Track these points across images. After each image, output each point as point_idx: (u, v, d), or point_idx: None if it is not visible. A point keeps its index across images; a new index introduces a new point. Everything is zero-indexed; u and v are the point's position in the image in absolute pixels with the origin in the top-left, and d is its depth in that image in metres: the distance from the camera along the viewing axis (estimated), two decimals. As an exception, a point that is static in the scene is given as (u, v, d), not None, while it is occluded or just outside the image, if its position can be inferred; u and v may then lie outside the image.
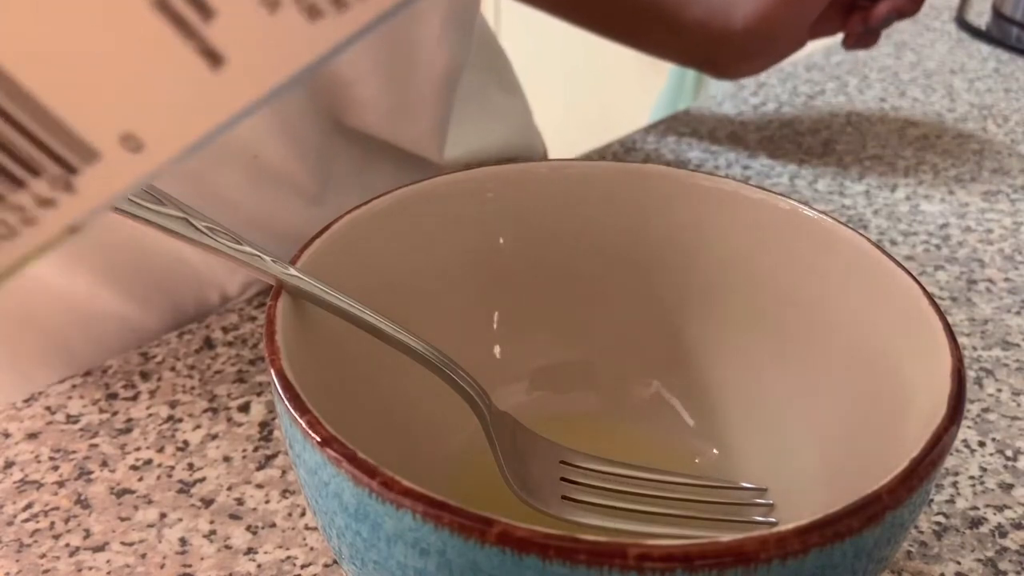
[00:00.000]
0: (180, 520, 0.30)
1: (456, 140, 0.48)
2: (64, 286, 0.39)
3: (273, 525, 0.30)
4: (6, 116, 0.11)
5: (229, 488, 0.31)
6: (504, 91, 0.56)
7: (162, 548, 0.29)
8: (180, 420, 0.34)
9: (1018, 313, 0.41)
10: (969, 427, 0.35)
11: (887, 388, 0.25)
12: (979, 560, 0.29)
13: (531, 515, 0.25)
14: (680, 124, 0.59)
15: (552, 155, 0.59)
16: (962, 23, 0.77)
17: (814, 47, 0.64)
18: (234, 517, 0.30)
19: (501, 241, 0.31)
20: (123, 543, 0.29)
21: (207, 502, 0.30)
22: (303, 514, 0.30)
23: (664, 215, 0.30)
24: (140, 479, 0.31)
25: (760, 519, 0.27)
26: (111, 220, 0.20)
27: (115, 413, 0.34)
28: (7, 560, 0.28)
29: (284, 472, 0.32)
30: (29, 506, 0.30)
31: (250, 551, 0.29)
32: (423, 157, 0.46)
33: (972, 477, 0.32)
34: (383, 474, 0.18)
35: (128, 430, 0.33)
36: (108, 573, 0.28)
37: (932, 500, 0.31)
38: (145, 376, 0.36)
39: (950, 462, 0.33)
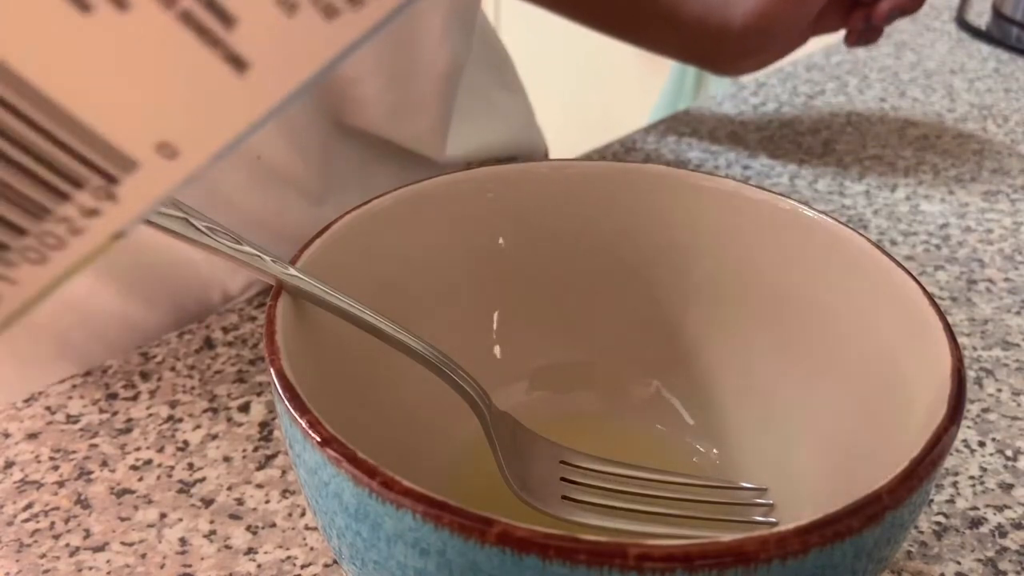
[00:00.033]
0: (180, 520, 0.30)
1: (458, 138, 0.48)
2: (65, 285, 0.39)
3: (273, 525, 0.30)
4: (47, 134, 0.11)
5: (229, 488, 0.31)
6: (506, 89, 0.56)
7: (162, 548, 0.29)
8: (180, 420, 0.34)
9: (1018, 313, 0.41)
10: (969, 427, 0.35)
11: (887, 388, 0.25)
12: (979, 560, 0.29)
13: (531, 515, 0.25)
14: (680, 124, 0.59)
15: (552, 155, 0.59)
16: (962, 23, 0.77)
17: (814, 47, 0.64)
18: (234, 517, 0.30)
19: (501, 241, 0.31)
20: (123, 543, 0.29)
21: (207, 502, 0.30)
22: (303, 514, 0.30)
23: (664, 215, 0.30)
24: (140, 479, 0.31)
25: (760, 519, 0.27)
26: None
27: (115, 413, 0.34)
28: (7, 560, 0.28)
29: (284, 472, 0.32)
30: (29, 506, 0.30)
31: (250, 551, 0.29)
32: (425, 156, 0.46)
33: (972, 477, 0.32)
34: (383, 474, 0.18)
35: (128, 430, 0.33)
36: (108, 573, 0.28)
37: (932, 500, 0.31)
38: (145, 376, 0.36)
39: (950, 462, 0.33)
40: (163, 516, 0.30)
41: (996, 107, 0.62)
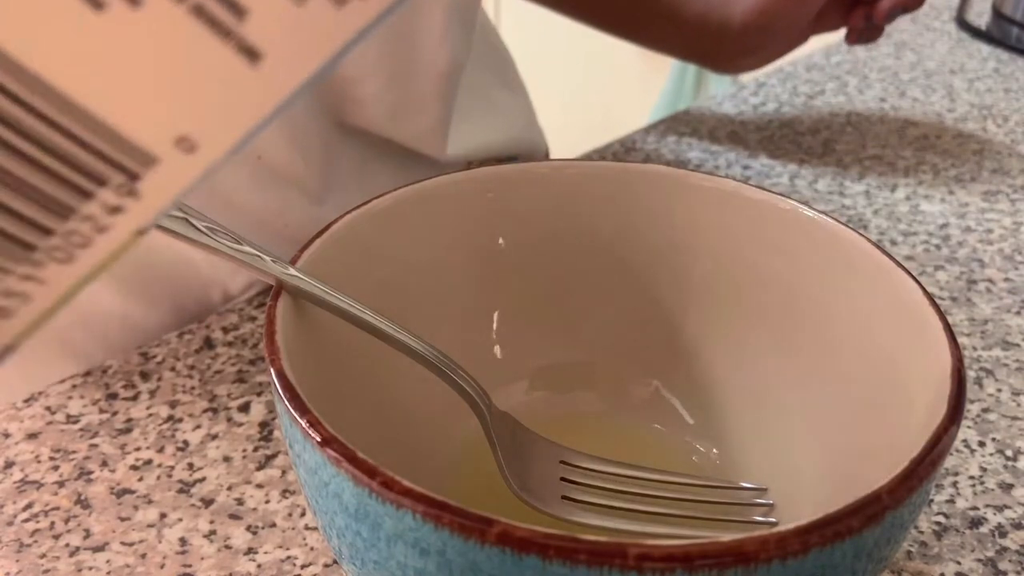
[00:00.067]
0: (180, 520, 0.30)
1: (459, 137, 0.48)
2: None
3: (273, 525, 0.30)
4: (68, 133, 0.11)
5: (229, 488, 0.31)
6: (507, 88, 0.56)
7: (162, 548, 0.29)
8: (180, 420, 0.34)
9: (1018, 313, 0.41)
10: (969, 427, 0.35)
11: (887, 388, 0.25)
12: (979, 560, 0.29)
13: (531, 515, 0.25)
14: (680, 124, 0.59)
15: (553, 155, 0.59)
16: (962, 23, 0.77)
17: (814, 47, 0.64)
18: (234, 517, 0.30)
19: (501, 241, 0.31)
20: (123, 543, 0.29)
21: (207, 502, 0.30)
22: (303, 514, 0.30)
23: (664, 215, 0.30)
24: (140, 479, 0.31)
25: (760, 519, 0.27)
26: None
27: (115, 413, 0.34)
28: (7, 560, 0.28)
29: (284, 472, 0.32)
30: (29, 506, 0.30)
31: (250, 551, 0.29)
32: (426, 155, 0.46)
33: (972, 477, 0.32)
34: (383, 474, 0.18)
35: (128, 430, 0.33)
36: (108, 573, 0.28)
37: (932, 500, 0.31)
38: (145, 376, 0.36)
39: (950, 462, 0.33)
40: (163, 516, 0.30)
41: (996, 107, 0.62)
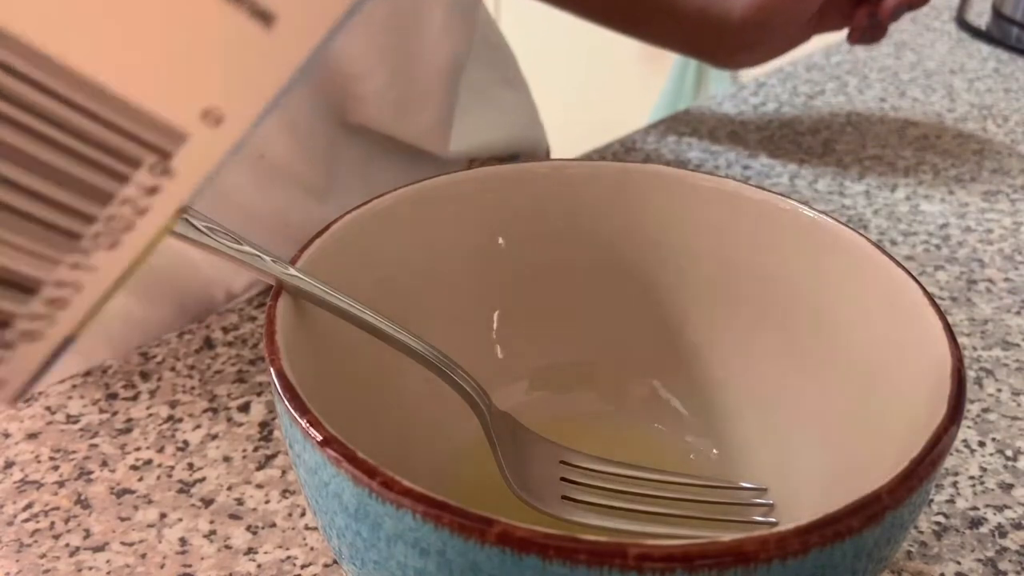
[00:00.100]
0: (180, 520, 0.30)
1: (461, 135, 0.48)
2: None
3: (273, 525, 0.30)
4: (96, 117, 0.11)
5: (229, 488, 0.31)
6: (508, 86, 0.56)
7: (162, 548, 0.29)
8: (180, 420, 0.34)
9: (1018, 313, 0.41)
10: (969, 427, 0.35)
11: (887, 388, 0.25)
12: (979, 560, 0.29)
13: (531, 515, 0.25)
14: (680, 124, 0.59)
15: (553, 154, 0.59)
16: (962, 23, 0.77)
17: (814, 47, 0.64)
18: (234, 517, 0.30)
19: (501, 241, 0.31)
20: (123, 543, 0.29)
21: (207, 502, 0.30)
22: (303, 514, 0.30)
23: (664, 215, 0.30)
24: (140, 479, 0.31)
25: (760, 519, 0.27)
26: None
27: (115, 413, 0.34)
28: (7, 560, 0.28)
29: (284, 472, 0.32)
30: (29, 506, 0.30)
31: (250, 551, 0.29)
32: (428, 152, 0.46)
33: (972, 477, 0.32)
34: (383, 474, 0.18)
35: (128, 430, 0.33)
36: (108, 573, 0.28)
37: (932, 500, 0.31)
38: (145, 376, 0.36)
39: (950, 462, 0.33)
40: (163, 516, 0.30)
41: (996, 107, 0.62)
